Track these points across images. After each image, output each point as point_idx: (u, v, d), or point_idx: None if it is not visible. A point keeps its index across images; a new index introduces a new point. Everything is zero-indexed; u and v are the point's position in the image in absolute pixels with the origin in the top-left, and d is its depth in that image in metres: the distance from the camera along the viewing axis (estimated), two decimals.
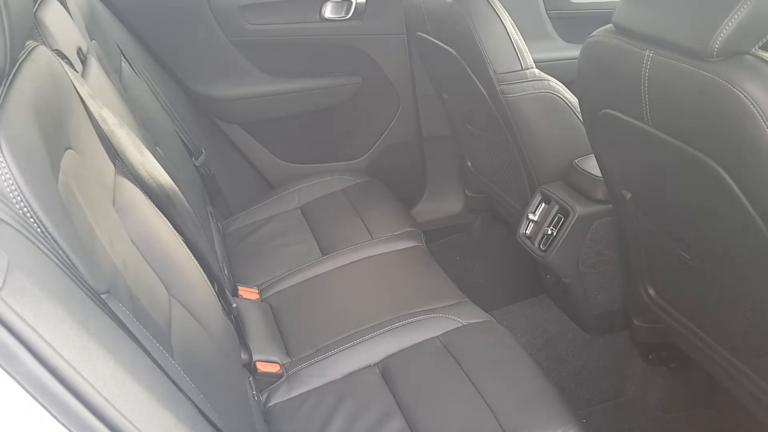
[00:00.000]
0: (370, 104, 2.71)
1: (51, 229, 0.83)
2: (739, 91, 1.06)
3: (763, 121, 1.04)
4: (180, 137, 2.25)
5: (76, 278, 0.83)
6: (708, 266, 1.44)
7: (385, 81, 2.65)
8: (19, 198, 0.81)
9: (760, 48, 1.11)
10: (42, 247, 0.79)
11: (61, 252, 0.83)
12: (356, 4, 2.51)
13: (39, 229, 0.82)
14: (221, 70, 2.56)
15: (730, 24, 1.08)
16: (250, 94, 2.60)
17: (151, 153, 1.74)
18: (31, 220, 0.81)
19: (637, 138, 1.36)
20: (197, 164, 2.32)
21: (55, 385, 0.66)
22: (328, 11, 2.53)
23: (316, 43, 2.58)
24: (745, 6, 1.06)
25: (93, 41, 1.84)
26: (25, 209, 0.81)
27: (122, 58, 2.09)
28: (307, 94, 2.65)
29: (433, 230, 2.79)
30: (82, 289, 0.81)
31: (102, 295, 0.88)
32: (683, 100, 1.18)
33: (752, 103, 1.05)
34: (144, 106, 2.01)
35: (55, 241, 0.83)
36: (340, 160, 2.79)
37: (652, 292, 1.75)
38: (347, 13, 2.53)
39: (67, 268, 0.82)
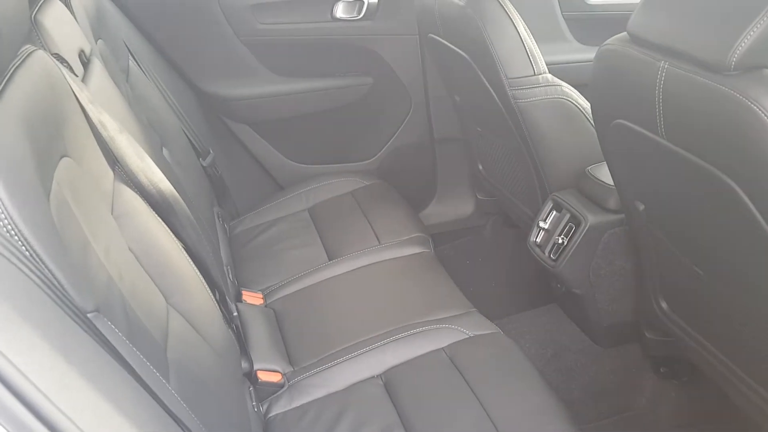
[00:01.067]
0: (381, 105, 2.68)
1: (37, 248, 0.80)
2: (757, 107, 1.02)
3: None
4: (188, 137, 2.23)
5: (60, 299, 0.80)
6: (721, 282, 1.40)
7: (397, 82, 2.62)
8: (3, 215, 0.78)
9: None
10: (24, 267, 0.76)
11: (46, 271, 0.81)
12: (368, 4, 2.48)
13: (23, 247, 0.79)
14: (231, 69, 2.54)
15: (748, 37, 1.04)
16: (259, 94, 2.58)
17: (158, 154, 1.73)
18: (16, 237, 0.79)
19: (651, 150, 1.32)
20: (205, 164, 2.30)
21: (28, 417, 0.63)
22: (340, 11, 2.50)
23: (327, 43, 2.55)
24: (764, 19, 1.02)
25: (99, 41, 1.82)
26: (9, 227, 0.78)
27: (130, 57, 2.07)
28: (318, 94, 2.62)
29: (444, 233, 2.76)
30: (65, 311, 0.79)
31: (89, 315, 0.85)
32: (698, 113, 1.14)
33: None
34: (151, 106, 1.99)
35: (41, 260, 0.80)
36: (350, 161, 2.76)
37: (664, 305, 1.71)
38: (359, 13, 2.50)
39: (51, 289, 0.79)
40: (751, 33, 1.03)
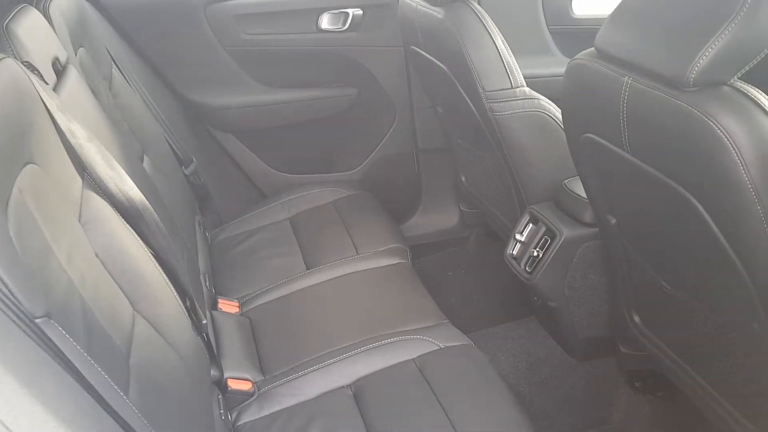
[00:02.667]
0: (365, 115, 2.69)
1: None
2: (714, 124, 1.02)
3: (737, 156, 1.01)
4: (170, 145, 2.24)
5: (6, 304, 0.80)
6: (687, 298, 1.40)
7: (382, 92, 2.63)
8: None
9: (739, 79, 1.08)
10: None
11: None
12: (353, 15, 2.49)
13: None
14: (216, 78, 2.55)
15: (707, 54, 1.05)
16: (244, 103, 2.59)
17: (135, 162, 1.74)
18: None
19: (617, 164, 1.33)
20: (187, 173, 2.31)
21: None
22: (325, 22, 2.51)
23: (312, 53, 2.57)
24: (722, 36, 1.03)
25: (81, 48, 1.83)
26: None
27: (113, 65, 2.08)
28: (302, 104, 2.63)
29: (427, 244, 2.76)
30: (8, 316, 0.79)
31: (37, 320, 0.85)
32: (659, 128, 1.15)
33: (726, 137, 1.01)
34: (134, 114, 2.00)
35: None
36: (334, 171, 2.77)
37: (636, 319, 1.71)
38: (344, 25, 2.51)
39: None
40: (710, 49, 1.04)
